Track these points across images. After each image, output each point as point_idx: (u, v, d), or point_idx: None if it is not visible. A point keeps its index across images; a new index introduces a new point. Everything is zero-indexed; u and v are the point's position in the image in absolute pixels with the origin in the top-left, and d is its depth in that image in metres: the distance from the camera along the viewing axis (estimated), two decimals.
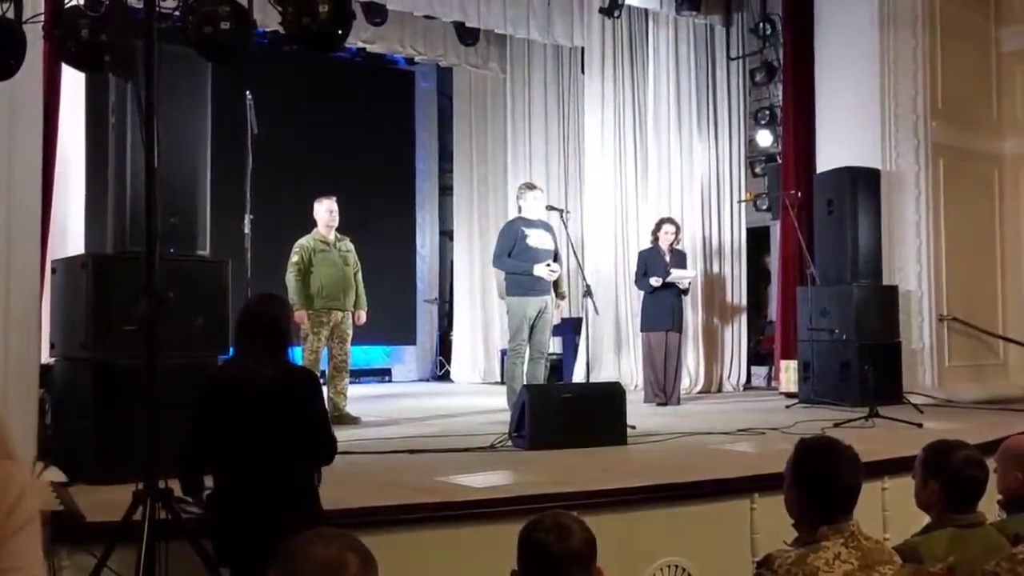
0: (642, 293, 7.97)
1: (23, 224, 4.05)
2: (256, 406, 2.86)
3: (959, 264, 8.08)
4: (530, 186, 7.12)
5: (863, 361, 6.90)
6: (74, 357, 4.09)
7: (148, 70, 3.02)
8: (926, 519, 2.60)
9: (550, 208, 6.99)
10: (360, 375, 10.22)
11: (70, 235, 5.31)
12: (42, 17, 3.36)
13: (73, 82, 5.11)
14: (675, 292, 7.76)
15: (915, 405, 6.81)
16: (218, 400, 2.94)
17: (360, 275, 6.70)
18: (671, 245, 7.85)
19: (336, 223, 6.65)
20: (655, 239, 7.90)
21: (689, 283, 8.04)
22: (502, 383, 7.65)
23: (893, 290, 7.71)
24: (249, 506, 2.82)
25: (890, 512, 4.22)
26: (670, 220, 8.02)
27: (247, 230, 4.96)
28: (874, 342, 7.29)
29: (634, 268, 8.18)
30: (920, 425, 5.82)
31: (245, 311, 3.03)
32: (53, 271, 4.37)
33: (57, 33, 3.19)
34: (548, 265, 6.57)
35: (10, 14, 3.20)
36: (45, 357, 4.34)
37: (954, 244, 8.06)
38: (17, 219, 4.01)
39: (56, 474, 3.82)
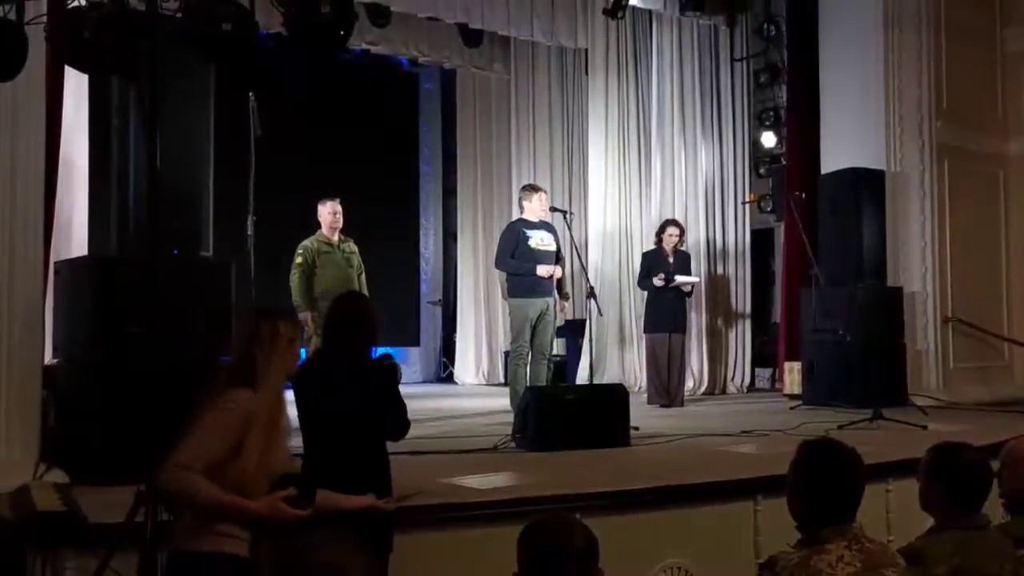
0: (645, 295, 7.97)
1: (26, 226, 4.05)
2: (329, 397, 3.01)
3: (964, 265, 8.05)
4: (535, 188, 7.13)
5: (867, 362, 6.88)
6: (77, 359, 4.10)
7: (151, 71, 3.02)
8: (930, 521, 2.59)
9: (554, 209, 7.00)
10: None
11: (75, 237, 5.33)
12: (44, 18, 3.36)
13: (76, 84, 5.12)
14: (678, 294, 7.75)
15: (919, 407, 6.78)
16: (299, 391, 3.10)
17: (364, 277, 6.70)
18: (675, 247, 7.84)
19: (340, 225, 6.65)
20: (659, 241, 7.90)
21: (692, 286, 8.03)
22: (505, 385, 7.64)
23: (898, 291, 7.69)
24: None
25: (894, 514, 4.20)
26: (674, 222, 8.01)
27: (250, 231, 4.97)
28: (878, 343, 7.25)
29: (637, 269, 8.18)
30: (924, 427, 5.80)
31: (330, 310, 3.23)
32: (56, 273, 4.38)
33: (59, 34, 3.20)
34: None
35: (12, 16, 3.20)
36: (48, 358, 4.35)
37: (959, 245, 8.03)
38: (20, 221, 4.02)
39: (59, 475, 3.83)
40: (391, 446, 3.18)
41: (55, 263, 4.51)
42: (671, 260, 7.77)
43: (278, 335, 2.54)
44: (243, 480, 2.37)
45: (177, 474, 2.31)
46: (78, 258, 4.52)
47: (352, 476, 2.94)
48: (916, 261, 7.91)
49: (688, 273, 7.92)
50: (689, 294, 7.98)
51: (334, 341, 3.12)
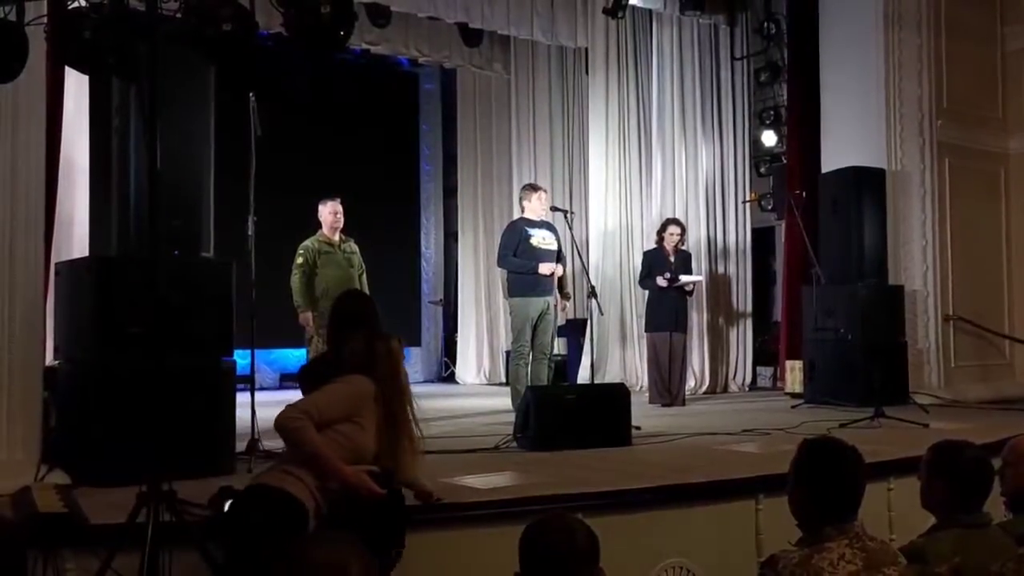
0: (647, 294, 7.97)
1: (27, 226, 4.05)
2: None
3: (965, 263, 8.05)
4: (534, 187, 7.14)
5: (868, 361, 6.87)
6: (78, 360, 4.10)
7: (150, 72, 3.02)
8: (932, 520, 2.59)
9: (554, 209, 7.00)
10: None
11: (75, 237, 5.33)
12: (45, 19, 3.36)
13: (77, 84, 5.13)
14: (679, 293, 7.74)
15: (921, 405, 6.78)
16: (307, 388, 3.16)
17: (365, 277, 6.70)
18: (676, 246, 7.84)
19: (341, 225, 6.65)
20: (660, 240, 7.90)
21: (695, 285, 8.02)
22: (507, 384, 7.64)
23: (899, 290, 7.68)
24: None
25: (895, 513, 4.20)
26: (675, 221, 8.01)
27: (251, 232, 4.96)
28: (879, 342, 7.25)
29: (638, 268, 8.18)
30: (926, 425, 5.80)
31: (333, 308, 3.36)
32: (57, 274, 4.38)
33: (59, 35, 3.19)
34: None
35: (12, 16, 3.20)
36: (49, 359, 4.35)
37: (960, 243, 8.03)
38: (21, 221, 4.02)
39: (60, 476, 3.83)
40: None
41: (56, 264, 4.51)
42: (672, 259, 7.77)
43: (391, 350, 2.93)
44: (362, 457, 2.79)
45: (295, 415, 2.71)
46: (79, 259, 4.52)
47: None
48: (917, 259, 7.90)
49: (689, 272, 7.92)
50: (690, 293, 7.98)
51: (342, 338, 3.13)
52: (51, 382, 4.23)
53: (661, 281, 7.58)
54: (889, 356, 7.22)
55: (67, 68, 4.53)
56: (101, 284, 3.95)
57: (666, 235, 7.83)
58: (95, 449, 3.84)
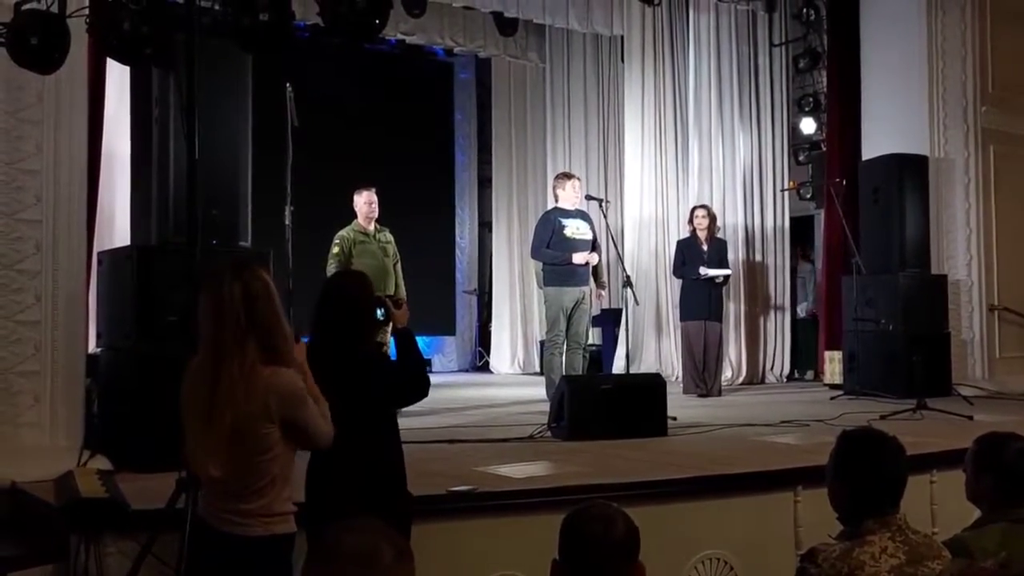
0: (681, 283, 7.90)
1: (70, 216, 4.12)
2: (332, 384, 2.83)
3: (1010, 252, 7.88)
4: (567, 175, 7.09)
5: (910, 352, 6.74)
6: (120, 347, 4.17)
7: (189, 62, 3.05)
8: (976, 514, 2.53)
9: (589, 198, 6.96)
10: None
11: (117, 226, 5.42)
12: (86, 11, 3.41)
13: (120, 75, 5.20)
14: (713, 282, 7.66)
15: (965, 397, 6.65)
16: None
17: (400, 266, 6.72)
18: (710, 234, 7.75)
19: (376, 214, 6.68)
20: (692, 229, 7.83)
21: (724, 278, 7.86)
22: (541, 374, 7.63)
23: (942, 279, 7.53)
24: (331, 479, 2.85)
25: (938, 506, 4.12)
26: (701, 206, 7.95)
27: (288, 221, 5.00)
28: (922, 332, 7.12)
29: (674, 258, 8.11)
30: (970, 417, 5.68)
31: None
32: (99, 262, 4.46)
33: (100, 26, 3.24)
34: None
35: (54, 8, 3.25)
36: (92, 347, 4.43)
37: (1005, 232, 7.86)
38: (63, 211, 4.09)
39: (102, 462, 3.90)
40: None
41: (98, 252, 4.59)
42: (706, 247, 7.69)
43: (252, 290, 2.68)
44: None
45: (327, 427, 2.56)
46: (120, 248, 4.59)
47: (369, 465, 2.85)
48: (961, 248, 7.75)
49: (725, 260, 7.82)
50: (724, 282, 7.87)
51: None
52: (93, 369, 4.31)
53: (703, 270, 7.50)
54: (932, 347, 7.08)
55: (109, 60, 4.59)
56: (141, 273, 4.00)
57: (695, 220, 7.76)
58: (136, 435, 3.90)
